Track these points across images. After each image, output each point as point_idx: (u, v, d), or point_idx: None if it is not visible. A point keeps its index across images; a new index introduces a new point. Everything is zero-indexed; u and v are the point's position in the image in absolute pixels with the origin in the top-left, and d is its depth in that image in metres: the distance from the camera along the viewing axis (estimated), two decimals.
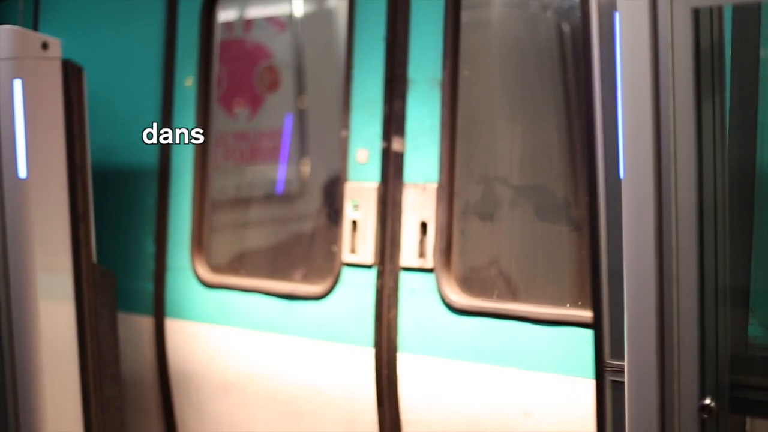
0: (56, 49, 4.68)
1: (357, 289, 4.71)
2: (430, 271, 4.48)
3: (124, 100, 5.71)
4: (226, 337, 5.25)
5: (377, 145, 4.67)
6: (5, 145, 4.60)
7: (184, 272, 5.41)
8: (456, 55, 4.48)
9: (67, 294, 4.73)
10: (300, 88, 7.25)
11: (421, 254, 4.51)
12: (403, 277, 4.57)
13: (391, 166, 4.61)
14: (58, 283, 4.71)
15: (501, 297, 4.44)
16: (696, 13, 3.12)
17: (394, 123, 4.61)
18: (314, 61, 7.28)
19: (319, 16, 7.36)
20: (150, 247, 5.54)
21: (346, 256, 4.76)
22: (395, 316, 4.57)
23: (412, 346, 4.52)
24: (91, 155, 4.91)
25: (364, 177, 4.72)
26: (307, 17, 7.21)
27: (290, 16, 7.12)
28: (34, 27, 5.94)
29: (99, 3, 5.90)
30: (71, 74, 4.73)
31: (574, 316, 4.03)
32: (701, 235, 3.14)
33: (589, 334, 3.92)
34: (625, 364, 3.31)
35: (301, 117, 7.24)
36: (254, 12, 7.02)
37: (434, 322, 4.45)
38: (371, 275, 4.66)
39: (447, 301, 4.40)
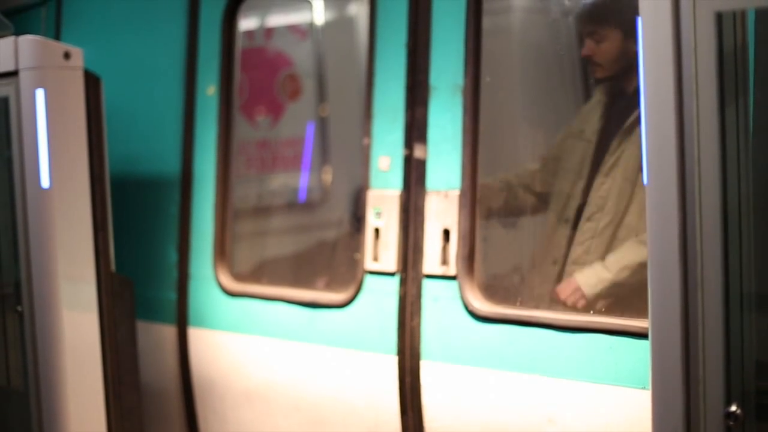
0: (78, 58, 4.70)
1: (380, 296, 4.68)
2: (452, 278, 4.45)
3: (147, 108, 5.72)
4: (249, 345, 5.25)
5: (399, 152, 4.65)
6: (28, 154, 4.62)
7: (206, 281, 5.41)
8: (477, 61, 4.45)
9: (90, 303, 4.74)
10: (321, 96, 7.26)
11: (444, 261, 4.48)
12: (426, 284, 4.54)
13: (414, 174, 4.59)
14: (80, 292, 4.72)
15: (524, 304, 4.42)
16: (719, 17, 3.10)
17: (416, 130, 4.59)
18: (335, 68, 7.29)
19: (340, 23, 7.37)
20: (173, 256, 5.55)
21: (369, 264, 4.73)
22: (418, 324, 4.54)
23: (436, 354, 4.50)
24: (113, 164, 4.93)
25: (387, 184, 4.69)
26: (328, 25, 7.22)
27: (311, 24, 7.13)
28: (56, 36, 5.96)
29: (121, 12, 5.92)
30: (90, 84, 4.75)
31: (598, 322, 4.01)
32: (726, 240, 3.12)
33: (613, 340, 3.90)
34: (650, 370, 3.29)
35: (323, 125, 7.25)
36: (275, 20, 7.04)
37: (457, 330, 4.43)
38: (394, 283, 4.64)
39: (470, 308, 4.37)
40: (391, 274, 4.66)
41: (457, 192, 4.45)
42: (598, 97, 4.68)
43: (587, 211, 4.44)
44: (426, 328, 4.53)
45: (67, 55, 4.66)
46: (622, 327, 3.90)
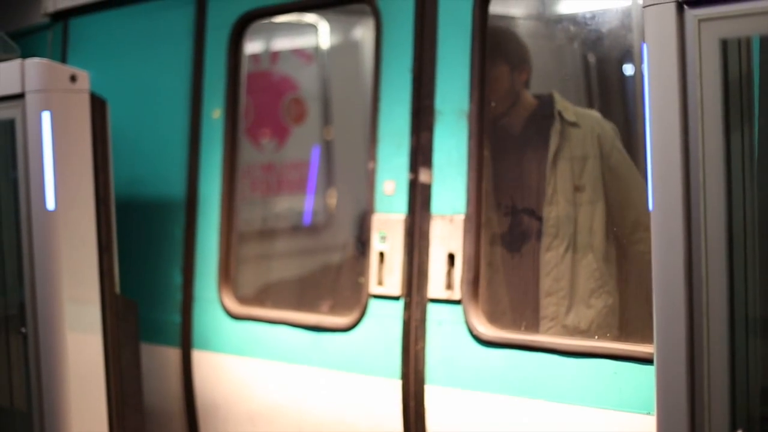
0: (84, 81, 4.71)
1: (384, 320, 4.68)
2: (457, 302, 4.45)
3: (152, 131, 5.73)
4: (253, 368, 5.24)
5: (404, 176, 4.66)
6: (34, 176, 4.63)
7: (211, 304, 5.40)
8: (483, 86, 4.47)
9: (95, 325, 4.74)
10: (326, 120, 7.27)
11: (449, 286, 4.48)
12: (431, 308, 4.54)
13: (419, 198, 4.60)
14: (85, 314, 4.72)
15: (529, 329, 4.42)
16: (724, 44, 3.12)
17: (421, 154, 4.60)
18: (340, 92, 7.31)
19: (345, 47, 7.39)
20: (177, 279, 5.55)
21: (374, 288, 4.73)
22: (423, 348, 4.54)
23: (440, 378, 4.49)
24: (118, 187, 4.94)
25: (391, 209, 4.70)
26: (333, 49, 7.24)
27: (317, 48, 7.15)
28: (63, 59, 5.98)
29: (127, 35, 5.94)
30: (96, 107, 4.76)
31: (603, 347, 4.01)
32: (731, 266, 3.12)
33: (618, 366, 3.90)
34: (655, 395, 3.29)
35: (328, 148, 7.27)
36: (281, 44, 7.06)
37: (462, 354, 4.42)
38: (398, 307, 4.64)
39: (474, 332, 4.36)
40: (396, 298, 4.65)
41: (462, 216, 4.46)
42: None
43: (544, 243, 4.49)
44: (430, 352, 4.53)
45: (73, 78, 4.68)
46: (626, 352, 3.89)
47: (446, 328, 4.47)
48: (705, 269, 3.15)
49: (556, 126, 4.50)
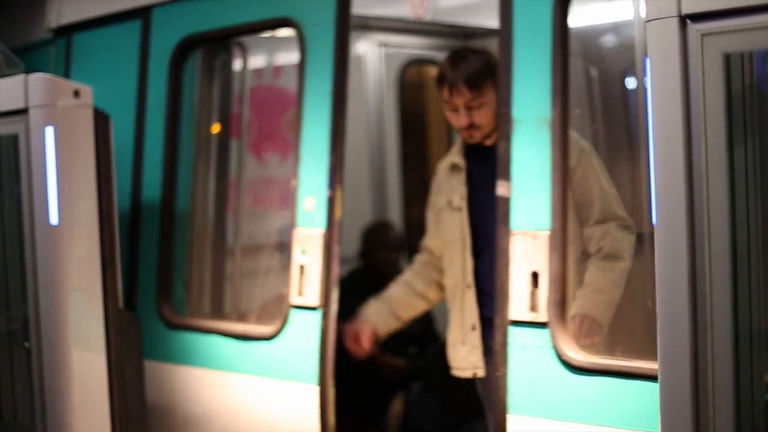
0: (87, 96, 4.72)
1: (303, 329, 4.86)
2: (543, 325, 4.17)
3: (155, 145, 5.75)
4: (188, 376, 5.43)
5: (324, 193, 4.81)
6: (37, 191, 4.64)
7: (150, 314, 5.58)
8: (566, 91, 4.22)
9: (98, 340, 4.74)
10: None
11: (533, 308, 4.23)
12: (513, 332, 4.28)
13: (499, 212, 4.35)
14: (88, 329, 4.72)
15: (626, 353, 4.10)
16: (727, 58, 3.12)
17: (500, 166, 4.37)
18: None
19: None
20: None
21: (294, 299, 4.89)
22: (504, 375, 4.27)
23: (525, 408, 4.24)
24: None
25: (312, 224, 4.85)
26: None
27: None
28: (66, 74, 5.99)
29: (129, 49, 5.95)
30: (99, 122, 4.77)
31: None
32: (735, 281, 3.12)
33: None
34: (659, 409, 3.28)
35: None
36: (283, 58, 7.07)
37: (549, 382, 4.16)
38: (317, 317, 4.79)
39: (564, 358, 4.09)
40: (314, 309, 4.79)
41: (546, 233, 4.20)
42: (456, 164, 4.90)
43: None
44: (513, 379, 4.28)
45: (76, 93, 4.69)
46: None
47: (531, 353, 4.22)
48: (709, 284, 3.15)
49: None
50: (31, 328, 4.71)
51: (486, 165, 4.75)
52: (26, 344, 4.73)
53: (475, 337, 4.78)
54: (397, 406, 6.39)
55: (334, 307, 4.75)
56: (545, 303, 4.17)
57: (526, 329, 4.21)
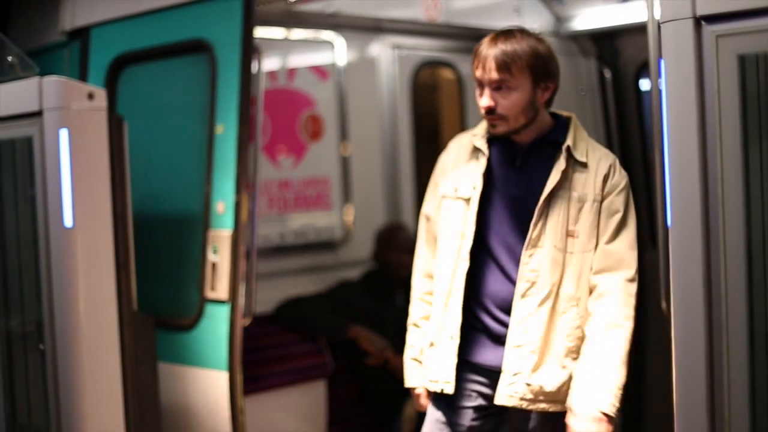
0: (101, 99, 4.73)
1: (215, 321, 5.16)
2: None
3: (170, 148, 5.75)
4: None
5: (232, 198, 5.07)
6: (52, 194, 4.64)
7: None
8: None
9: (112, 342, 4.74)
10: (343, 136, 7.29)
11: None
12: None
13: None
14: (103, 330, 4.73)
15: None
16: (742, 60, 3.11)
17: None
18: (356, 108, 7.33)
19: (362, 64, 7.41)
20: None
21: (208, 293, 5.19)
22: None
23: None
24: (135, 204, 4.96)
25: (222, 225, 5.11)
26: (350, 65, 7.26)
27: (333, 65, 7.17)
28: (80, 77, 6.00)
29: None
30: (114, 124, 4.78)
31: None
32: (750, 282, 3.12)
33: None
34: (675, 412, 3.28)
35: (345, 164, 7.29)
36: (297, 61, 7.08)
37: None
38: (226, 309, 5.09)
39: None
40: (224, 302, 5.08)
41: None
42: (478, 148, 4.34)
43: (519, 288, 4.12)
44: None
45: (91, 96, 4.69)
46: None
47: None
48: (724, 286, 3.14)
49: (560, 162, 4.13)
50: (45, 330, 4.72)
51: (511, 163, 4.28)
52: (41, 346, 4.74)
53: (451, 348, 4.26)
54: (410, 409, 6.38)
55: (241, 300, 5.05)
56: None
57: None
